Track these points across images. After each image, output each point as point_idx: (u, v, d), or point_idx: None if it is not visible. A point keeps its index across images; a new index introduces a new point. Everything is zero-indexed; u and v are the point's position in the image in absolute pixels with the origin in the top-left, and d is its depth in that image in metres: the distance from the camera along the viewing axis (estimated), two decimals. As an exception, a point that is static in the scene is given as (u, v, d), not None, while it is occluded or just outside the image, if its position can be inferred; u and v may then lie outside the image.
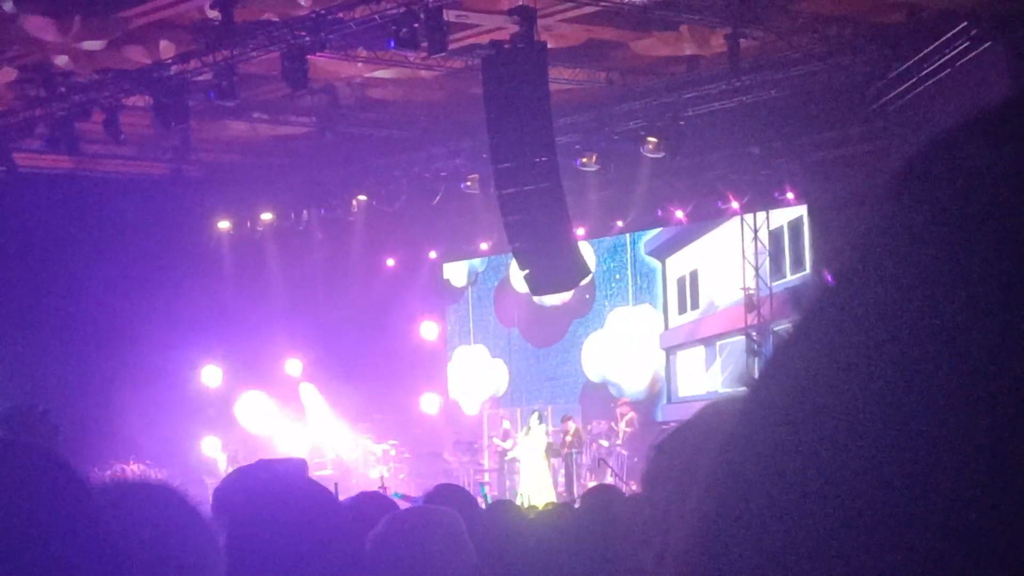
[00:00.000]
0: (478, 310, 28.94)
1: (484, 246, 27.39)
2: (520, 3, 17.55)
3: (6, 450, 1.70)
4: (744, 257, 23.66)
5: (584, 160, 22.84)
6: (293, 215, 26.85)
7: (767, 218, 23.55)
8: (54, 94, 21.00)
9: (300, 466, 5.74)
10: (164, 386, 24.52)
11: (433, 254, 28.76)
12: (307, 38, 18.31)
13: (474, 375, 28.72)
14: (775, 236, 23.75)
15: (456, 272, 29.28)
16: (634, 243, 26.51)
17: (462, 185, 24.57)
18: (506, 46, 17.90)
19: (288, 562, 2.83)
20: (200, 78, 19.61)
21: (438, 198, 25.49)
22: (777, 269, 23.52)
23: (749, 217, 23.64)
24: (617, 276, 26.80)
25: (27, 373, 23.76)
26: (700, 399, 22.95)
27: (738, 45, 18.79)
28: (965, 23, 17.43)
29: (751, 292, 23.42)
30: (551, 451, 23.69)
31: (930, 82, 18.05)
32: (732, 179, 23.41)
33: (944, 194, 0.67)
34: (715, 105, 21.38)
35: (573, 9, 18.40)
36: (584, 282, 21.80)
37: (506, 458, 25.05)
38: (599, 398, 26.19)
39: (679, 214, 24.77)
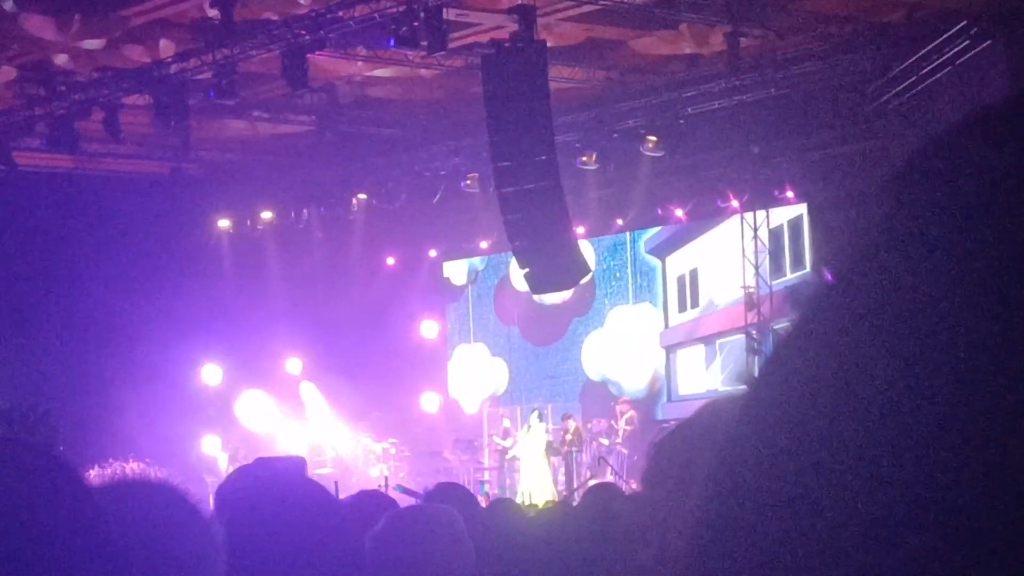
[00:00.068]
0: (478, 309, 28.93)
1: (484, 245, 27.39)
2: (520, 2, 17.55)
3: (4, 449, 1.70)
4: (744, 256, 23.65)
5: (584, 159, 22.84)
6: (293, 214, 26.85)
7: (767, 217, 23.54)
8: (54, 93, 21.01)
9: (299, 464, 5.74)
10: (164, 384, 24.53)
11: (433, 252, 28.76)
12: (307, 37, 18.31)
13: (474, 373, 28.72)
14: (775, 235, 23.74)
15: (456, 271, 29.27)
16: (634, 241, 26.51)
17: (462, 184, 24.57)
18: (506, 45, 17.90)
19: (287, 561, 2.83)
20: (200, 77, 19.61)
21: (438, 197, 25.49)
22: (777, 268, 23.51)
23: (749, 216, 23.63)
24: (617, 275, 26.80)
25: (27, 372, 23.75)
26: (700, 397, 22.95)
27: (738, 44, 18.79)
28: (965, 22, 17.43)
29: (751, 290, 23.41)
30: (551, 449, 23.69)
31: (930, 81, 18.05)
32: (732, 177, 23.40)
33: (944, 193, 0.67)
34: (715, 104, 21.38)
35: (573, 8, 18.40)
36: (584, 281, 21.79)
37: (507, 457, 25.04)
38: (599, 396, 26.18)
39: (679, 212, 24.76)
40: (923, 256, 0.66)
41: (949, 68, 17.64)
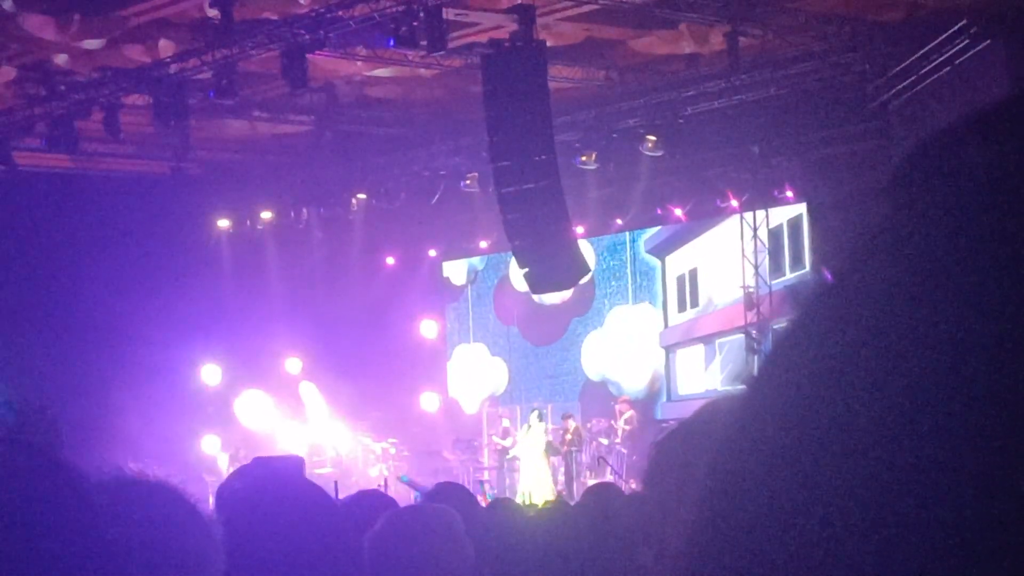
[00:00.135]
0: (478, 308, 28.94)
1: (483, 244, 27.40)
2: (519, 1, 17.55)
3: (1, 449, 1.70)
4: (743, 255, 23.65)
5: (583, 158, 22.84)
6: (293, 213, 26.86)
7: (766, 216, 23.55)
8: (54, 93, 21.01)
9: (297, 464, 5.74)
10: (164, 384, 24.54)
11: (433, 252, 28.77)
12: (306, 36, 18.31)
13: (474, 373, 28.73)
14: (774, 234, 23.74)
15: (456, 270, 29.28)
16: (633, 241, 26.51)
17: (462, 183, 24.57)
18: (505, 44, 17.90)
19: (286, 560, 2.82)
20: (199, 76, 19.61)
21: (437, 196, 25.49)
22: (776, 267, 23.51)
23: (748, 215, 23.64)
24: (616, 274, 26.81)
25: (27, 372, 23.74)
26: (699, 397, 22.96)
27: (737, 43, 18.80)
28: (964, 21, 17.42)
29: (750, 290, 23.42)
30: (551, 449, 23.69)
31: (929, 80, 18.05)
32: (731, 177, 23.41)
33: (943, 192, 0.67)
34: (714, 103, 21.38)
35: (572, 7, 18.40)
36: (583, 280, 21.80)
37: (507, 456, 25.05)
38: (599, 396, 26.19)
39: (678, 212, 24.77)
40: (922, 255, 0.66)
41: (948, 68, 17.63)
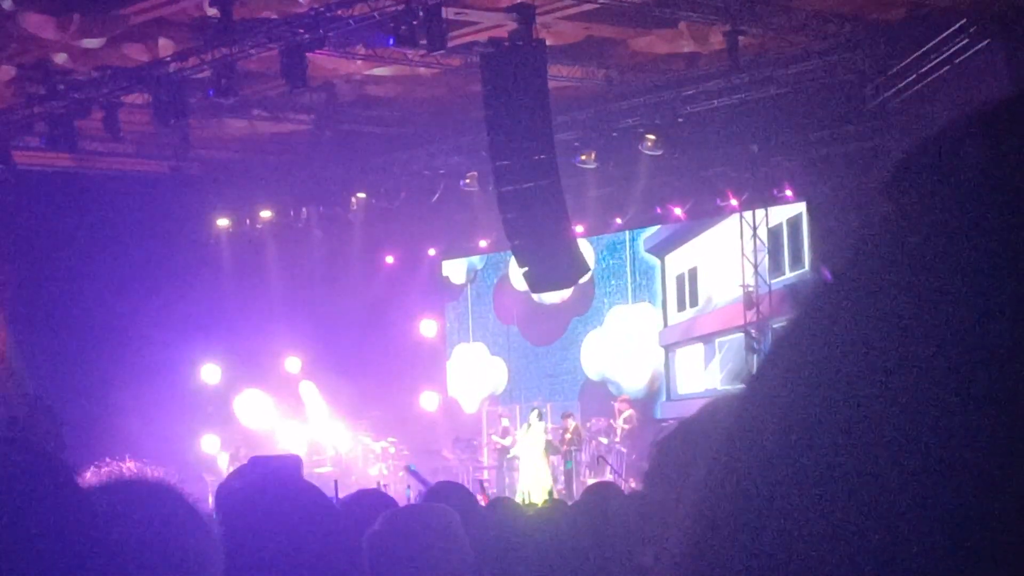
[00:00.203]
0: (477, 308, 28.94)
1: (483, 243, 27.40)
2: (519, 0, 17.55)
3: None
4: (743, 254, 23.65)
5: (583, 157, 22.84)
6: (292, 212, 26.86)
7: (766, 215, 23.54)
8: (53, 92, 21.01)
9: (294, 463, 5.74)
10: (163, 383, 24.54)
11: (432, 251, 28.76)
12: (306, 35, 18.31)
13: (473, 373, 28.73)
14: (774, 233, 23.74)
15: (455, 269, 29.28)
16: (633, 240, 26.51)
17: (461, 182, 24.57)
18: (505, 43, 17.90)
19: (285, 560, 2.82)
20: (199, 75, 19.61)
21: (437, 195, 25.50)
22: (776, 266, 23.51)
23: (748, 214, 23.64)
24: (616, 274, 26.81)
25: (27, 371, 23.76)
26: (699, 396, 22.97)
27: (737, 42, 18.80)
28: (964, 20, 17.43)
29: (750, 289, 23.41)
30: (551, 448, 23.69)
31: (929, 79, 18.05)
32: (731, 176, 23.41)
33: (942, 190, 0.67)
34: (714, 102, 21.39)
35: (572, 6, 18.40)
36: (583, 280, 21.80)
37: (507, 456, 25.05)
38: (598, 396, 26.19)
39: (678, 211, 24.77)
40: (921, 254, 0.66)
41: (948, 67, 17.64)
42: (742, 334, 23.61)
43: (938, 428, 0.62)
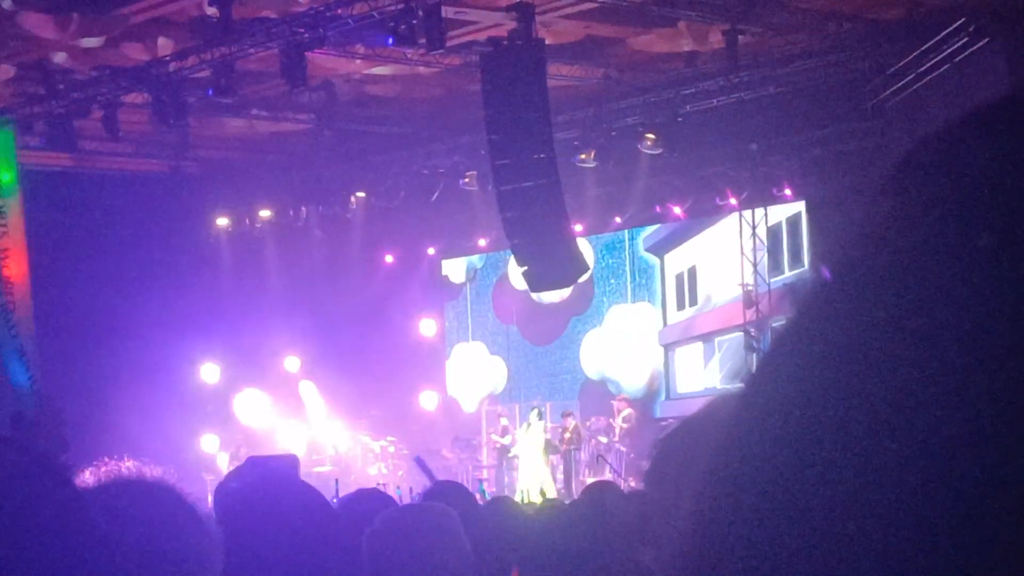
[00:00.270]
0: (476, 307, 28.94)
1: (482, 243, 27.40)
2: (518, -1, 17.56)
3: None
4: (742, 253, 23.66)
5: (582, 156, 22.84)
6: (292, 212, 26.86)
7: (765, 214, 23.55)
8: (53, 91, 21.01)
9: (291, 463, 5.74)
10: (163, 383, 24.53)
11: (432, 251, 28.77)
12: (305, 34, 18.31)
13: (472, 372, 28.73)
14: (773, 232, 23.74)
15: (454, 269, 29.28)
16: (632, 239, 26.52)
17: (461, 182, 24.57)
18: (504, 43, 17.91)
19: (284, 559, 2.82)
20: (198, 75, 19.61)
21: (436, 195, 25.50)
22: (775, 265, 23.51)
23: (747, 213, 23.64)
24: (615, 273, 26.82)
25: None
26: (698, 395, 22.99)
27: (736, 41, 18.80)
28: (963, 19, 17.43)
29: (749, 288, 23.41)
30: (550, 448, 23.70)
31: (928, 78, 18.05)
32: (730, 175, 23.41)
33: (942, 189, 0.67)
34: (713, 101, 21.40)
35: (572, 5, 18.40)
36: (582, 279, 21.80)
37: (508, 455, 25.05)
38: (598, 395, 26.20)
39: (677, 210, 24.78)
40: (921, 253, 0.66)
41: (947, 66, 17.64)
42: (741, 333, 23.62)
43: (938, 427, 0.62)
